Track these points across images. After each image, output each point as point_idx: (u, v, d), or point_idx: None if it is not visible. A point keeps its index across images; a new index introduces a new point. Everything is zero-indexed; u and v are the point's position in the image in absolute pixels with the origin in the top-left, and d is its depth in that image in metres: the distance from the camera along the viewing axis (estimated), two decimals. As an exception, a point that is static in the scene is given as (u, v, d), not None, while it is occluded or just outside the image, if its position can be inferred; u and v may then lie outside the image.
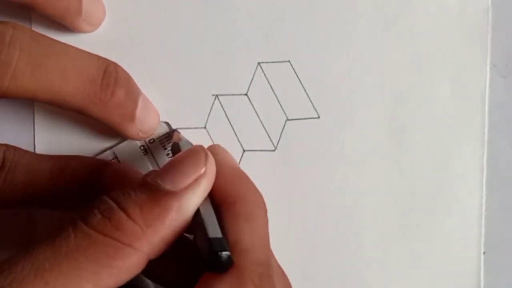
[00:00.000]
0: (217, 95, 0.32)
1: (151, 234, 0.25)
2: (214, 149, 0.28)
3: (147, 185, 0.26)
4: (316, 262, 0.32)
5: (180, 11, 0.31)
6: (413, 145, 0.32)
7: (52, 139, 0.31)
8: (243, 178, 0.28)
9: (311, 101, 0.32)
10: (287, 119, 0.32)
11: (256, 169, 0.32)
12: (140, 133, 0.30)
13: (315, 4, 0.31)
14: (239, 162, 0.32)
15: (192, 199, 0.26)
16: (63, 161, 0.29)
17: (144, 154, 0.31)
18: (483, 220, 0.32)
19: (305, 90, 0.32)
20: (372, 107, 0.32)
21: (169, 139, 0.31)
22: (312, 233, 0.32)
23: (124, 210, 0.25)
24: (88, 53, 0.29)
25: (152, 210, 0.25)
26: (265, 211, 0.27)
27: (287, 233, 0.32)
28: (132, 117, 0.30)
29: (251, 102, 0.32)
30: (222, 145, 0.31)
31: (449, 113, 0.32)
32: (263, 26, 0.31)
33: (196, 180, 0.26)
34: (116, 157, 0.31)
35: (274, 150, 0.32)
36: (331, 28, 0.31)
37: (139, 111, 0.30)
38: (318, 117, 0.32)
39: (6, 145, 0.29)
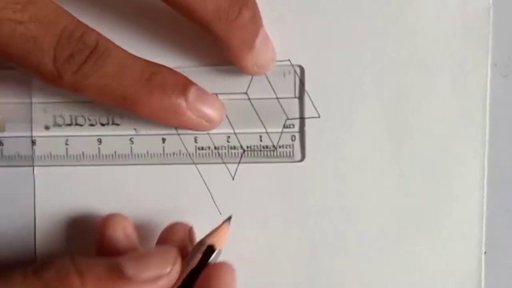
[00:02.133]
0: (216, 94, 0.32)
1: None
2: (222, 269, 0.28)
3: (112, 262, 0.26)
4: (316, 262, 0.32)
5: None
6: (413, 145, 0.32)
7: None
8: None
9: (311, 101, 0.32)
10: (287, 119, 0.32)
11: (256, 169, 0.32)
12: (255, 67, 0.30)
13: (315, 4, 0.31)
14: (239, 161, 0.32)
15: None
16: (155, 65, 0.29)
17: None
18: (484, 219, 0.32)
19: (305, 90, 0.32)
20: (372, 107, 0.31)
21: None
22: (312, 233, 0.32)
23: (80, 275, 0.25)
24: None
25: (106, 287, 0.25)
26: None
27: (287, 233, 0.32)
28: (251, 45, 0.29)
29: (250, 101, 0.32)
30: (222, 145, 0.31)
31: (449, 112, 0.31)
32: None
33: (158, 277, 0.26)
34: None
35: (274, 150, 0.32)
36: (331, 28, 0.31)
37: (258, 42, 0.29)
38: (318, 117, 0.32)
39: (99, 33, 0.29)
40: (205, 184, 0.32)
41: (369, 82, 0.31)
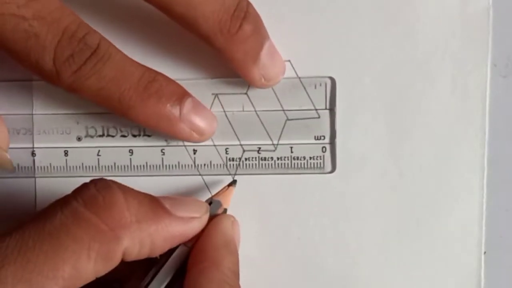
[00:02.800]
0: (217, 94, 0.32)
1: (136, 228, 0.25)
2: (221, 217, 0.29)
3: (152, 196, 0.27)
4: (316, 262, 0.32)
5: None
6: (413, 145, 0.32)
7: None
8: (227, 245, 0.28)
9: (311, 101, 0.32)
10: (287, 119, 0.32)
11: (256, 169, 0.32)
12: (263, 80, 0.30)
13: (315, 4, 0.31)
14: (239, 161, 0.32)
15: (178, 228, 0.27)
16: (153, 73, 0.29)
17: None
18: (484, 219, 0.32)
19: (305, 90, 0.32)
20: (372, 107, 0.31)
21: None
22: (312, 232, 0.32)
23: (124, 193, 0.25)
24: None
25: (147, 211, 0.26)
26: (238, 280, 0.28)
27: (287, 233, 0.32)
28: (255, 58, 0.29)
29: (251, 102, 0.32)
30: (218, 139, 0.31)
31: (449, 113, 0.32)
32: (263, 26, 0.31)
33: (191, 219, 0.27)
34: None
35: (274, 150, 0.32)
36: (331, 28, 0.31)
37: (264, 55, 0.30)
38: (318, 117, 0.32)
39: (102, 36, 0.29)
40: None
41: (368, 82, 0.31)
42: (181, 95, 0.30)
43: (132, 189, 0.26)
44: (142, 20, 0.32)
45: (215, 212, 0.30)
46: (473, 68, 0.31)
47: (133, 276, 0.28)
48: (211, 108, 0.32)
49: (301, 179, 0.32)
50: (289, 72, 0.32)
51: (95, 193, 0.25)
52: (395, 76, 0.31)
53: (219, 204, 0.30)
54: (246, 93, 0.32)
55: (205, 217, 0.28)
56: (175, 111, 0.30)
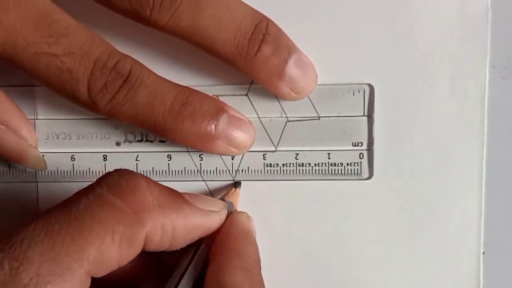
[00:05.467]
0: (217, 96, 0.32)
1: (159, 213, 0.26)
2: (236, 213, 0.30)
3: (172, 188, 0.27)
4: (316, 262, 0.32)
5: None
6: (413, 145, 0.32)
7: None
8: (246, 236, 0.29)
9: (311, 101, 0.32)
10: (287, 120, 0.32)
11: (256, 169, 0.32)
12: (292, 93, 0.30)
13: (315, 4, 0.31)
14: (240, 161, 0.32)
15: (199, 219, 0.27)
16: (186, 93, 0.30)
17: None
18: (483, 220, 0.32)
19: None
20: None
21: None
22: (312, 232, 0.32)
23: (145, 181, 0.26)
24: (246, 5, 0.29)
25: (168, 198, 0.26)
26: (260, 269, 0.28)
27: (287, 233, 0.32)
28: (280, 75, 0.30)
29: (251, 103, 0.32)
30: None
31: (448, 113, 0.32)
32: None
33: (210, 212, 0.28)
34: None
35: (274, 151, 0.32)
36: (330, 28, 0.31)
37: (289, 69, 0.30)
38: (318, 118, 0.32)
39: (133, 59, 0.29)
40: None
41: (368, 82, 0.31)
42: (216, 112, 0.30)
43: (154, 180, 0.27)
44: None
45: (230, 211, 0.30)
46: (472, 69, 0.31)
47: (144, 282, 0.28)
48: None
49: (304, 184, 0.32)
50: (323, 79, 0.32)
51: (118, 179, 0.26)
52: (395, 76, 0.32)
53: (232, 205, 0.31)
54: (246, 95, 0.32)
55: (224, 213, 0.29)
56: (211, 129, 0.30)
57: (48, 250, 0.23)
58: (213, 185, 0.33)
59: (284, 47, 0.30)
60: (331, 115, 0.32)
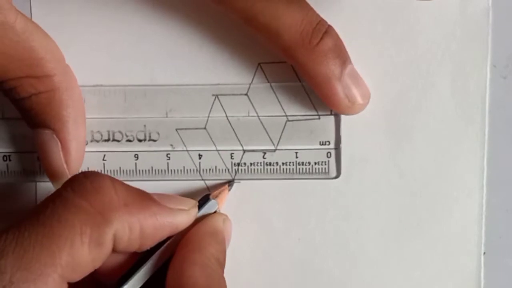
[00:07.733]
0: (217, 95, 0.32)
1: (125, 211, 0.26)
2: (213, 214, 0.30)
3: (139, 188, 0.27)
4: (316, 262, 0.32)
5: (180, 12, 0.31)
6: (413, 145, 0.32)
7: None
8: (212, 235, 0.29)
9: (311, 101, 0.32)
10: (287, 120, 0.32)
11: (256, 169, 0.32)
12: (347, 100, 0.30)
13: (315, 4, 0.31)
14: (240, 161, 0.32)
15: (167, 218, 0.27)
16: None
17: None
18: (483, 220, 0.32)
19: (305, 90, 0.32)
20: (372, 107, 0.31)
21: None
22: (313, 232, 0.32)
23: (111, 181, 0.26)
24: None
25: (135, 197, 0.26)
26: (222, 268, 0.28)
27: (287, 233, 0.32)
28: (338, 75, 0.29)
29: (251, 103, 0.32)
30: (222, 145, 0.31)
31: (449, 113, 0.32)
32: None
33: (179, 210, 0.28)
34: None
35: (274, 151, 0.32)
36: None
37: (347, 75, 0.30)
38: (318, 118, 0.32)
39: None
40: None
41: (368, 82, 0.31)
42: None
43: (120, 180, 0.27)
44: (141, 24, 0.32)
45: (210, 211, 0.30)
46: (473, 68, 0.31)
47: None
48: (210, 111, 0.32)
49: (305, 184, 0.32)
50: (292, 77, 0.32)
51: (83, 180, 0.26)
52: (395, 76, 0.32)
53: (215, 205, 0.30)
54: (246, 94, 0.32)
55: (193, 211, 0.29)
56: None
57: (20, 258, 0.23)
58: (212, 184, 0.32)
59: (344, 50, 0.30)
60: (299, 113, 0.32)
